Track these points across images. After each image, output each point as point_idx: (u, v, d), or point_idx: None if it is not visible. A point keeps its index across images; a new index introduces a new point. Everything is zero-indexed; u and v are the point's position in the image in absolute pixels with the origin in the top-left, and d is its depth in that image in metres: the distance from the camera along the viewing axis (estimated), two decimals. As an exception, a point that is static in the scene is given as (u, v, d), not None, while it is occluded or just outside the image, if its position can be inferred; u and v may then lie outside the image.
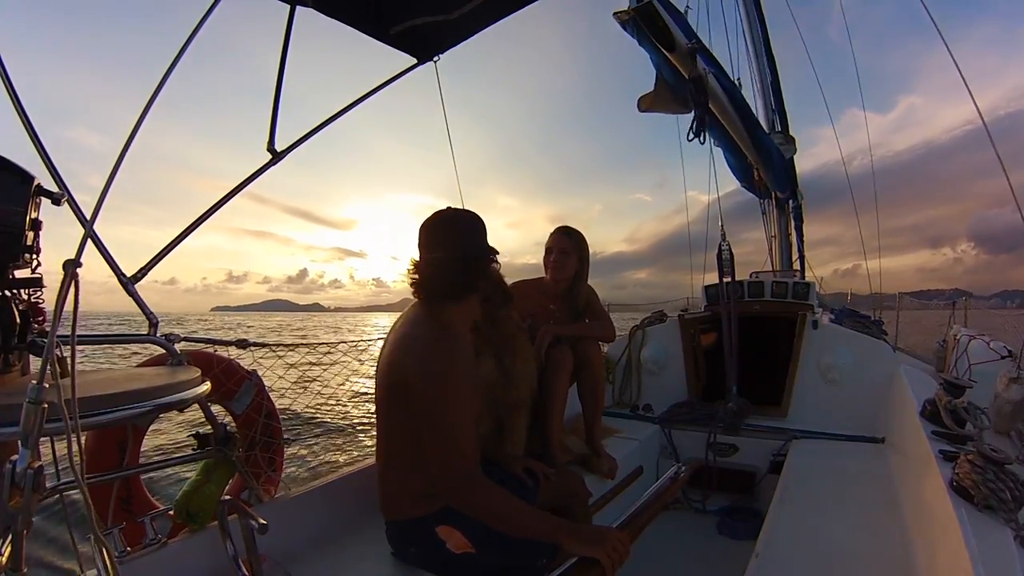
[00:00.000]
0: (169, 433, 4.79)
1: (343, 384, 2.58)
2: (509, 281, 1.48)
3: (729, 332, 2.71)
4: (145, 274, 1.20)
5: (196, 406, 1.09)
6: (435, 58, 1.92)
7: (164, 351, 1.24)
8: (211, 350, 1.94)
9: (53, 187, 0.98)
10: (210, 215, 1.38)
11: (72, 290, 0.71)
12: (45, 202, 0.97)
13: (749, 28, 4.78)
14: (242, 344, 1.91)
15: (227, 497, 1.19)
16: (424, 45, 1.87)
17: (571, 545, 1.07)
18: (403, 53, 1.88)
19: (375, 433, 1.34)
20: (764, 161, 3.69)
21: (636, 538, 1.16)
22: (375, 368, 1.34)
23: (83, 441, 0.70)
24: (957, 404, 1.68)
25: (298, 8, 1.55)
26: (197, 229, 1.36)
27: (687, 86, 2.56)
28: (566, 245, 2.05)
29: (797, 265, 5.20)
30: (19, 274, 0.95)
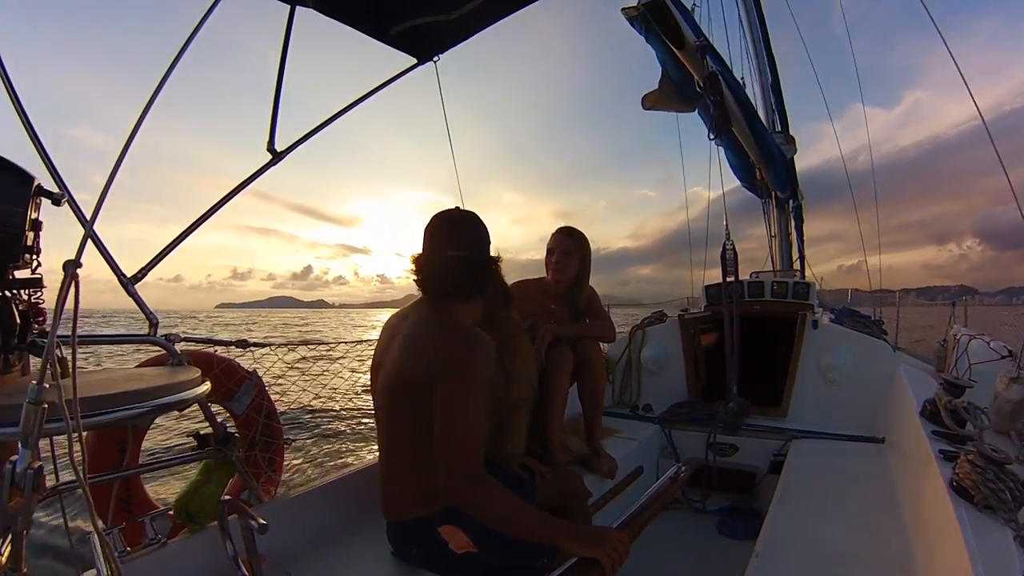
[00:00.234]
0: (169, 432, 4.79)
1: (343, 384, 2.59)
2: (511, 279, 1.48)
3: (731, 332, 2.71)
4: (145, 274, 1.20)
5: (196, 406, 1.09)
6: (435, 58, 1.92)
7: (164, 351, 1.24)
8: (211, 350, 1.94)
9: (53, 187, 0.98)
10: (210, 215, 1.38)
11: (72, 290, 0.71)
12: (45, 202, 0.97)
13: (749, 27, 4.79)
14: (242, 344, 1.91)
15: (227, 497, 1.18)
16: (424, 45, 1.87)
17: (571, 546, 1.07)
18: (403, 53, 1.88)
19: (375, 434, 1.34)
20: (766, 160, 3.70)
21: (636, 538, 1.16)
22: (371, 366, 1.34)
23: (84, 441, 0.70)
24: (957, 404, 1.68)
25: (298, 8, 1.55)
26: (200, 227, 1.37)
27: (695, 84, 2.53)
28: (568, 246, 2.05)
29: (797, 265, 5.20)
30: (19, 274, 0.95)
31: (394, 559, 1.33)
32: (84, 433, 0.69)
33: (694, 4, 4.12)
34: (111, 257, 1.13)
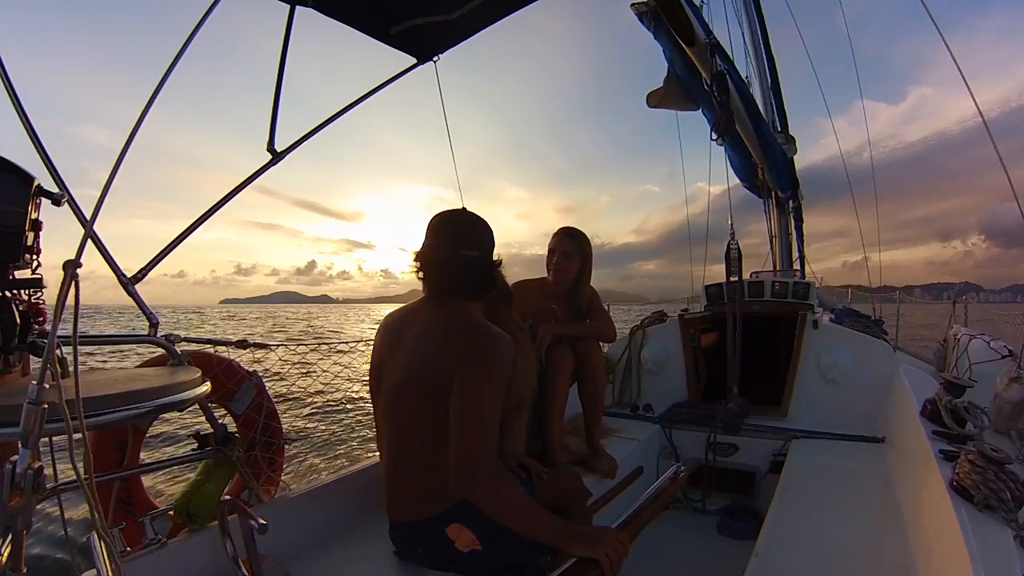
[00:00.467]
0: (169, 432, 4.79)
1: (343, 384, 2.59)
2: (515, 274, 1.49)
3: (733, 332, 2.70)
4: (145, 274, 1.20)
5: (196, 406, 1.09)
6: (435, 58, 1.92)
7: (164, 351, 1.24)
8: (211, 350, 1.94)
9: (53, 187, 0.98)
10: (209, 216, 1.38)
11: (72, 290, 0.71)
12: (45, 202, 0.97)
13: (749, 27, 4.78)
14: (242, 344, 1.91)
15: (227, 497, 1.18)
16: (424, 45, 1.87)
17: (570, 546, 1.07)
18: (403, 53, 1.88)
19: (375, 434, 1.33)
20: (768, 160, 3.69)
21: (636, 538, 1.16)
22: (370, 368, 1.34)
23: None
24: (957, 404, 1.68)
25: (298, 8, 1.56)
26: (202, 225, 1.37)
27: (704, 84, 2.48)
28: (568, 247, 2.05)
29: (797, 264, 5.20)
30: (19, 274, 0.95)
31: (394, 559, 1.33)
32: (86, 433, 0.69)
33: (702, 2, 4.10)
34: (111, 257, 1.14)
